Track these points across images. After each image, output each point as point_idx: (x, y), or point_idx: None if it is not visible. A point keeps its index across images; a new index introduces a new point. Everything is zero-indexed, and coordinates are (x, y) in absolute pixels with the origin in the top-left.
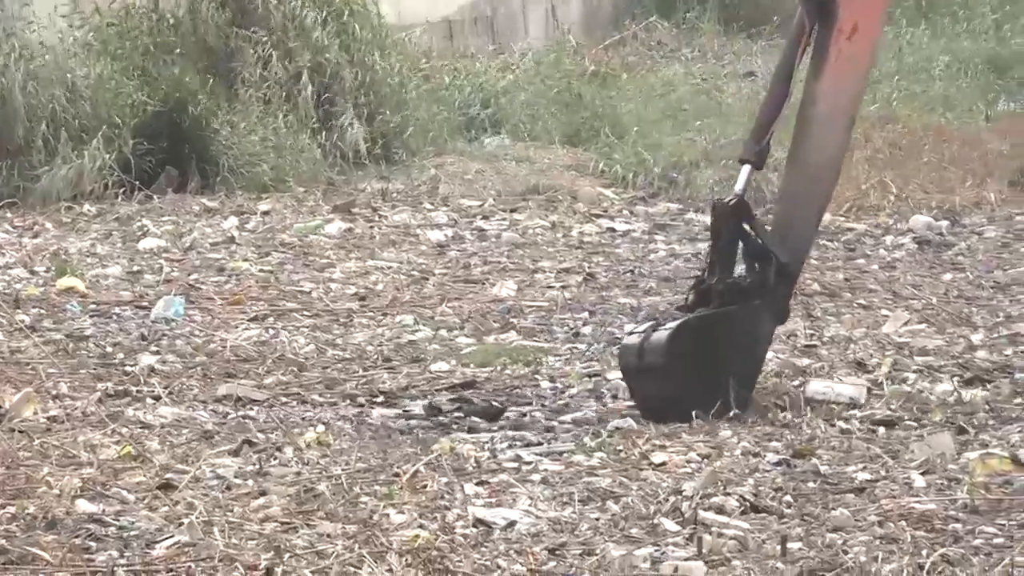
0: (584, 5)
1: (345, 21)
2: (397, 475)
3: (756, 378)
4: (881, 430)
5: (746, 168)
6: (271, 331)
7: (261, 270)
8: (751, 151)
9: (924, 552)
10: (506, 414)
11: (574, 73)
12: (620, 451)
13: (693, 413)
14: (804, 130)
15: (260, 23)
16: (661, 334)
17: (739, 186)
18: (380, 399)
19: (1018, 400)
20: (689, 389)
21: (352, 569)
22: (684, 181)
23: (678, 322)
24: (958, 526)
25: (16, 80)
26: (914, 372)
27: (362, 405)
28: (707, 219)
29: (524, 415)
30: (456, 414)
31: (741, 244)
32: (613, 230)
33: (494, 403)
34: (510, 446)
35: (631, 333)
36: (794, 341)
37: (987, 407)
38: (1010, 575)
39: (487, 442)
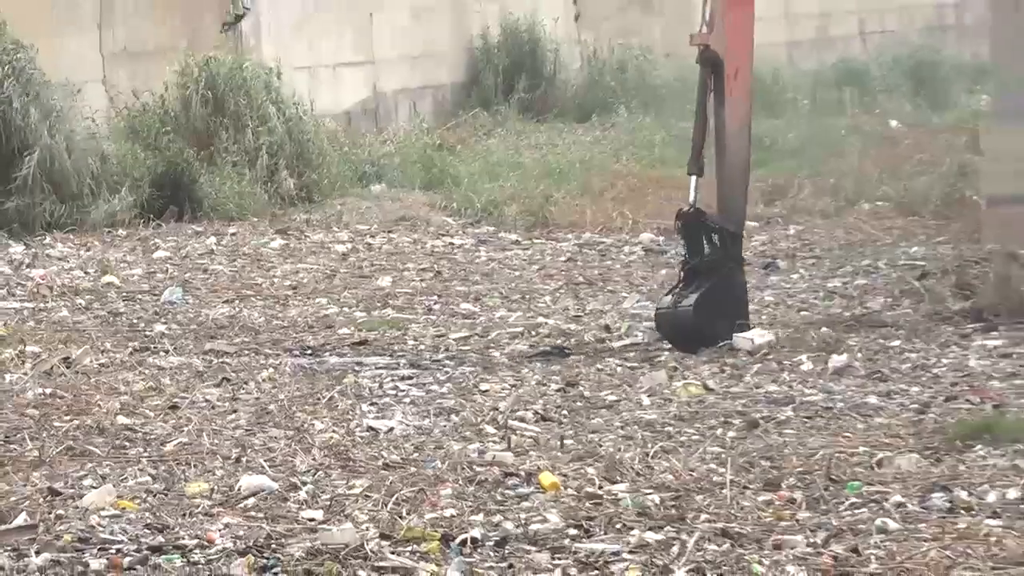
0: (434, 102)
1: (287, 113)
2: (319, 399)
3: (747, 309)
4: (620, 369)
5: (693, 179)
6: (237, 309)
7: (230, 270)
8: (694, 166)
9: (650, 445)
10: (386, 358)
11: (428, 145)
12: (460, 383)
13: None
14: (721, 141)
15: (232, 114)
16: (689, 301)
17: (692, 195)
18: (308, 352)
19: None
20: (708, 329)
21: (290, 459)
22: (497, 213)
23: (695, 295)
24: (670, 429)
25: (69, 151)
26: (640, 332)
27: (296, 355)
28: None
29: (398, 361)
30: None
31: (703, 233)
32: (453, 244)
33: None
34: (391, 380)
35: (661, 306)
36: (566, 313)
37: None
38: (703, 460)
39: (376, 377)
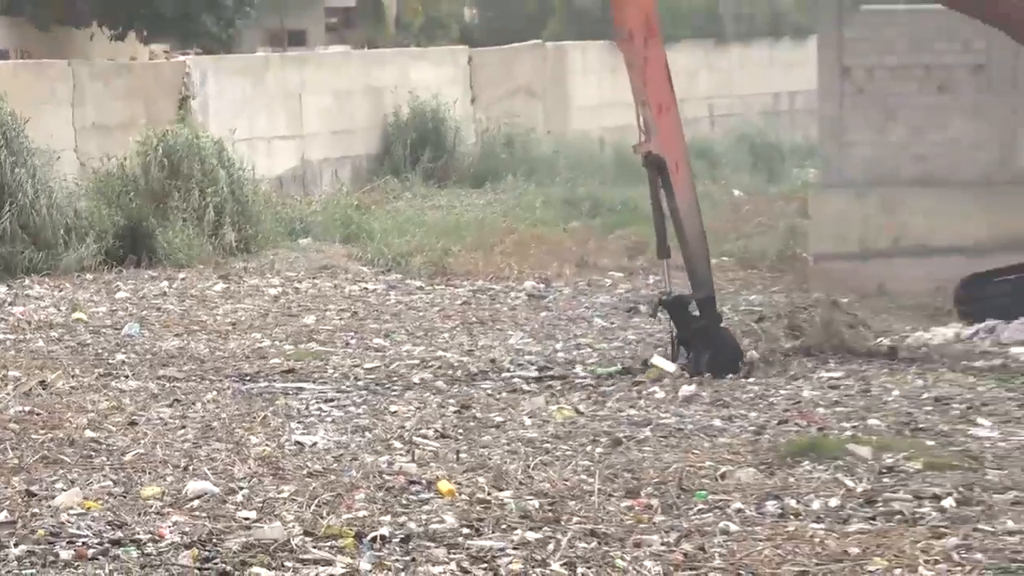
0: (352, 170)
1: (232, 175)
2: (255, 418)
3: (738, 350)
4: (505, 394)
5: (664, 262)
6: (186, 341)
7: (180, 309)
8: (662, 251)
9: (530, 459)
10: (313, 385)
11: (347, 206)
12: (373, 405)
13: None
14: (678, 225)
15: (184, 177)
16: (700, 367)
17: (665, 281)
18: (247, 377)
19: (579, 379)
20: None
21: (230, 467)
22: (404, 263)
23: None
24: (548, 445)
25: (47, 207)
26: (519, 365)
27: (235, 380)
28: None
29: (323, 387)
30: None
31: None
32: (367, 289)
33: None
34: (315, 402)
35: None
36: (461, 348)
37: (561, 383)
38: (575, 472)
39: (303, 400)
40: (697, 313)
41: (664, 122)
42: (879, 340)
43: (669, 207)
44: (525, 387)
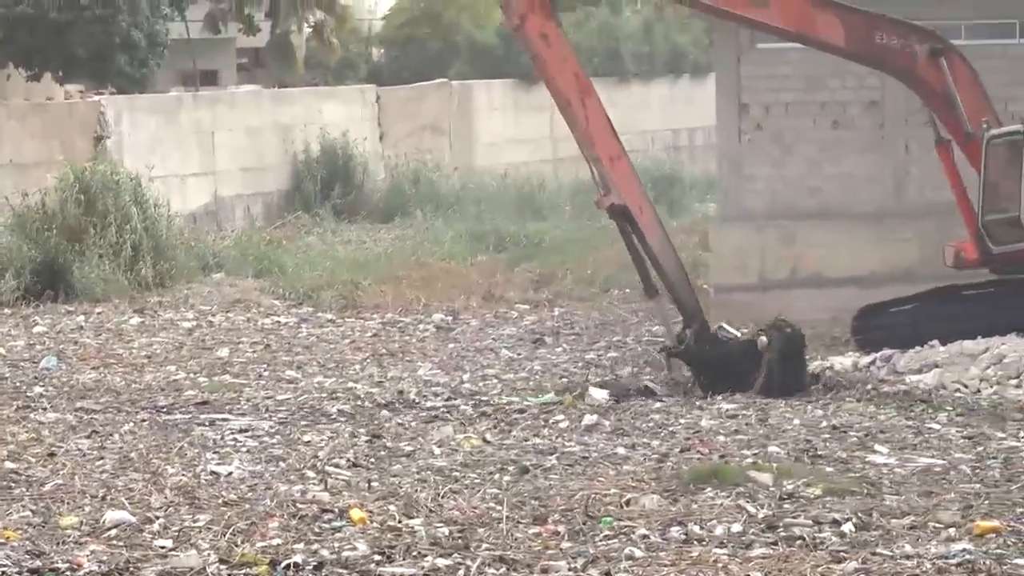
0: (264, 206)
1: (147, 213)
2: (171, 449)
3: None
4: (414, 424)
5: (660, 302)
6: (102, 374)
7: (96, 343)
8: (649, 290)
9: (440, 487)
10: (224, 416)
11: (259, 241)
12: (288, 434)
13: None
14: (656, 263)
15: (100, 214)
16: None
17: (665, 322)
18: (162, 409)
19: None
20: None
21: (147, 497)
22: (315, 296)
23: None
24: (457, 474)
25: None
26: (431, 394)
27: (150, 412)
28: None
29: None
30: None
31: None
32: (279, 322)
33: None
34: (230, 432)
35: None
36: (371, 379)
37: (472, 412)
38: (484, 499)
39: (219, 430)
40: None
41: (618, 171)
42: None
43: (643, 249)
44: (436, 416)
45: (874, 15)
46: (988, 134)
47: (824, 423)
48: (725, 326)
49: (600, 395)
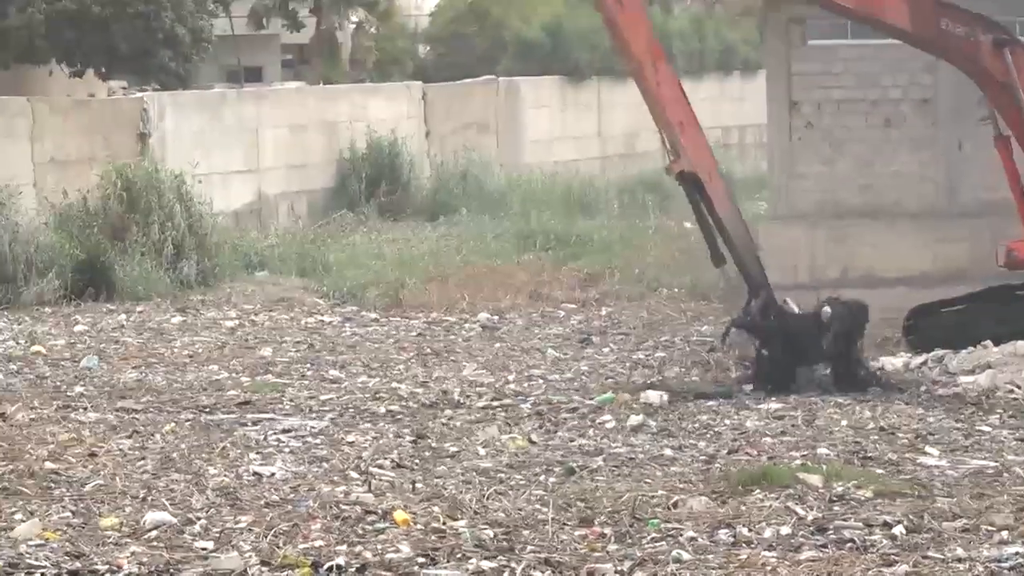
0: (308, 204)
1: (190, 210)
2: (213, 449)
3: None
4: (458, 424)
5: (726, 271)
6: (143, 373)
7: (138, 341)
8: (716, 259)
9: (485, 488)
10: (268, 416)
11: (303, 239)
12: (332, 435)
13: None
14: (723, 232)
15: (143, 211)
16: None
17: (726, 288)
18: (204, 409)
19: (529, 410)
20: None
21: (188, 498)
22: (360, 295)
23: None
24: (502, 475)
25: (7, 242)
26: (476, 395)
27: (192, 412)
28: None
29: (278, 417)
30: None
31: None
32: (323, 321)
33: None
34: (273, 433)
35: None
36: (415, 379)
37: (510, 414)
38: (529, 501)
39: (262, 431)
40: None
41: (688, 137)
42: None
43: (711, 217)
44: (481, 418)
45: (940, 1)
46: None
47: (872, 424)
48: (789, 301)
49: (655, 396)
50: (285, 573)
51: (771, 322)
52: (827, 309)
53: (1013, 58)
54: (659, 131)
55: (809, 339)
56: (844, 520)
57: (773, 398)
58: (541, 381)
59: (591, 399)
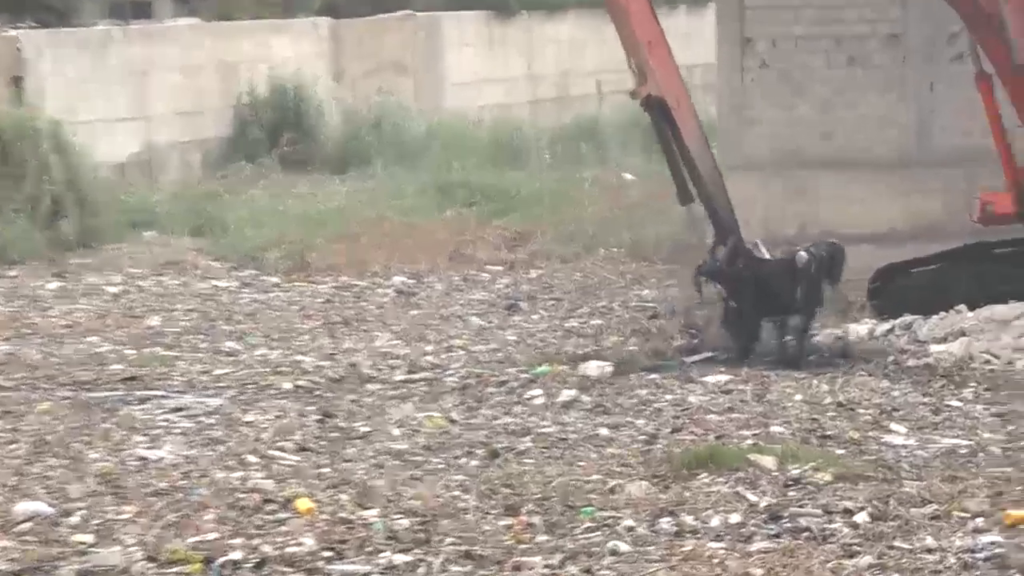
0: (203, 155)
1: (69, 162)
2: (94, 431)
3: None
4: (370, 401)
5: (692, 211)
6: (15, 346)
7: (9, 310)
8: (683, 196)
9: (399, 473)
10: (156, 393)
11: (197, 195)
12: (228, 414)
13: None
14: (690, 163)
15: (15, 163)
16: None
17: (691, 231)
18: (84, 386)
19: (448, 385)
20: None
21: (65, 486)
22: (260, 257)
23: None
24: (419, 458)
25: None
26: (389, 368)
27: (70, 389)
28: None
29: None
30: None
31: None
32: (218, 287)
33: None
34: (161, 412)
35: None
36: (322, 350)
37: (427, 390)
38: (448, 487)
39: (148, 410)
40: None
41: (657, 57)
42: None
43: (678, 148)
44: (391, 394)
45: None
46: None
47: (830, 399)
48: (760, 244)
49: (595, 368)
50: (174, 569)
51: (741, 269)
52: (802, 254)
53: None
54: (626, 52)
55: (782, 287)
56: (800, 507)
57: (723, 367)
58: (463, 352)
59: (524, 372)
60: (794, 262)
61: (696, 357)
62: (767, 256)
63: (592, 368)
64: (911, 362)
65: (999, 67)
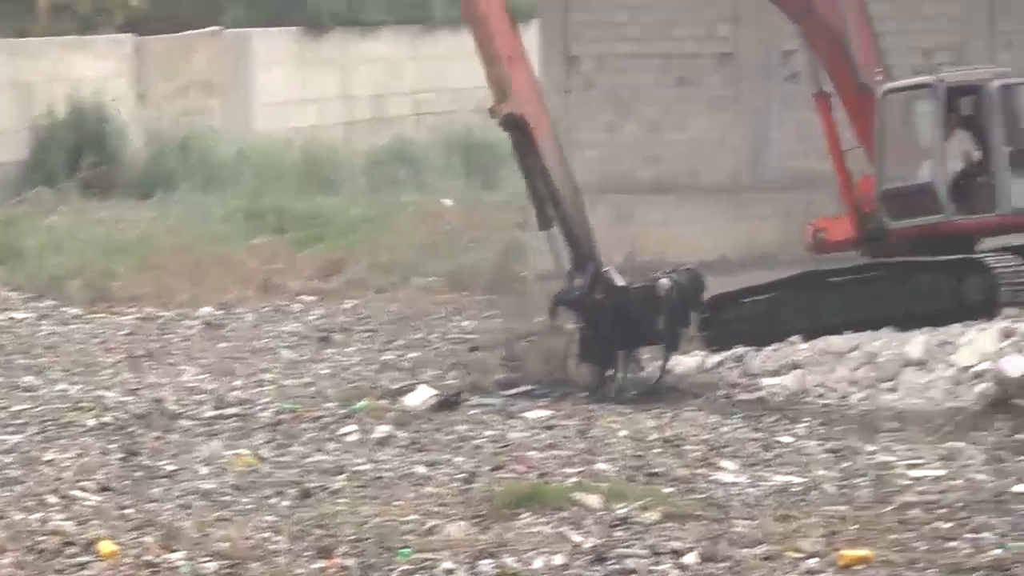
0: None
1: None
2: None
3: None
4: (176, 438)
5: (552, 236)
6: None
7: None
8: (543, 222)
9: (207, 514)
10: None
11: None
12: (27, 452)
13: None
14: (549, 184)
15: None
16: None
17: (555, 257)
18: None
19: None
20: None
21: None
22: (60, 287)
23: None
24: (227, 498)
25: None
26: (196, 404)
27: None
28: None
29: None
30: None
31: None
32: (14, 318)
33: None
34: None
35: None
36: (125, 385)
37: (236, 426)
38: (259, 528)
39: None
40: None
41: (517, 73)
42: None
43: (537, 168)
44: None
45: None
46: (886, 87)
47: (656, 435)
48: (612, 271)
49: (415, 400)
50: None
51: (600, 297)
52: (664, 281)
53: (846, 7)
54: (485, 68)
55: (644, 316)
56: (627, 547)
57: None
58: (273, 387)
59: (339, 407)
60: (656, 289)
61: (515, 391)
62: (622, 283)
63: (413, 400)
64: (742, 396)
65: (840, 86)
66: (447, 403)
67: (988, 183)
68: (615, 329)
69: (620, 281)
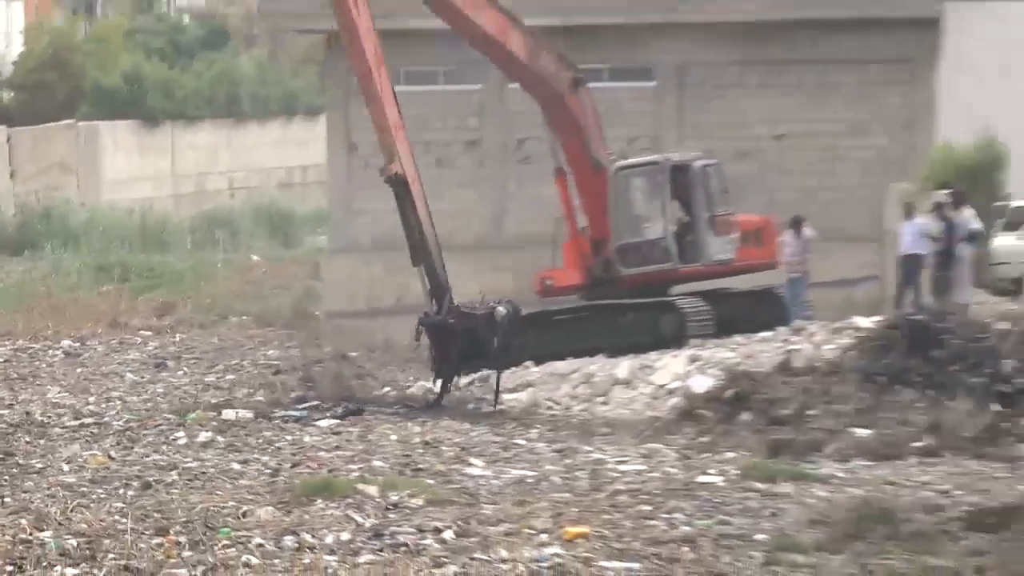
0: None
1: None
2: None
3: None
4: (43, 442)
5: (423, 271)
6: None
7: None
8: (418, 257)
9: (69, 502)
10: None
11: None
12: None
13: None
14: (420, 232)
15: None
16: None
17: (425, 282)
18: None
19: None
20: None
21: None
22: None
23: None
24: (85, 489)
25: None
26: (59, 415)
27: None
28: None
29: None
30: None
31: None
32: None
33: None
34: None
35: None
36: (2, 402)
37: (91, 433)
38: (110, 513)
39: None
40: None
41: (400, 141)
42: (385, 390)
43: (413, 219)
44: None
45: (539, 38)
46: (617, 165)
47: (419, 439)
48: (500, 306)
49: (232, 413)
50: None
51: (452, 322)
52: (500, 309)
53: (584, 98)
54: (377, 135)
55: (485, 336)
56: (399, 526)
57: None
58: (119, 402)
59: (173, 418)
60: (494, 316)
61: (305, 405)
62: (467, 310)
63: (231, 413)
64: (487, 408)
65: (577, 165)
66: (352, 412)
67: (693, 240)
68: (462, 349)
69: (500, 311)
